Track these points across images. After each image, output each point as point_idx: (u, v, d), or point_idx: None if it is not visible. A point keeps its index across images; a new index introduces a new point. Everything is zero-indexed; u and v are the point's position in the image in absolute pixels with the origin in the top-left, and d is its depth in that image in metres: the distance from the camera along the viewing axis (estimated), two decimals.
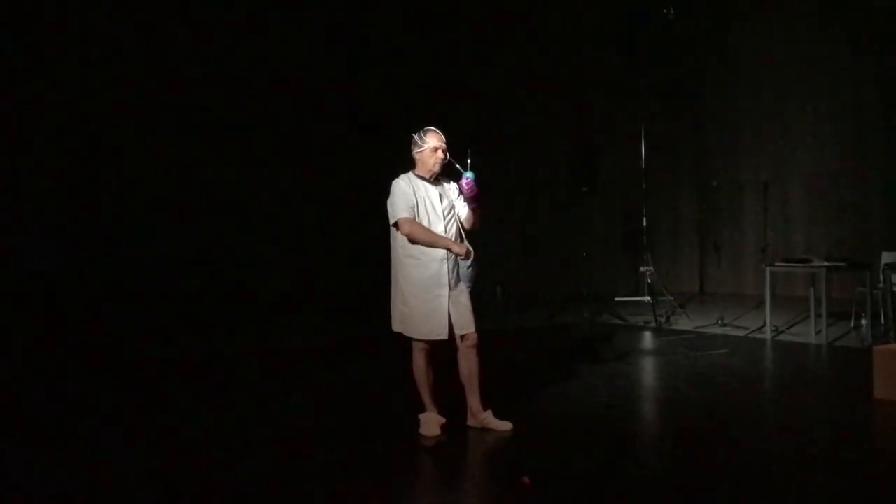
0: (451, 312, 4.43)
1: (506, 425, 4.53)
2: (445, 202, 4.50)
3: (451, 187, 4.57)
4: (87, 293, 9.33)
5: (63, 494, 3.72)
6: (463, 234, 4.59)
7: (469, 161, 4.36)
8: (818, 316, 7.72)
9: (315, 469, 4.05)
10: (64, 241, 9.38)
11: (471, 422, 4.59)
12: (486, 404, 4.57)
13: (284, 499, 3.64)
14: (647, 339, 8.30)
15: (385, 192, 4.49)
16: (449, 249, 4.40)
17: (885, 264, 8.06)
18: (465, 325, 4.47)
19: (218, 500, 3.64)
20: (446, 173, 4.54)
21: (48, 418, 5.14)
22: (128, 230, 9.97)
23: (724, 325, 8.64)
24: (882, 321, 8.03)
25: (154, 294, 9.86)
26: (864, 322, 7.96)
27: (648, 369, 6.82)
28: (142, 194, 10.10)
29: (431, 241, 4.38)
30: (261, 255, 10.81)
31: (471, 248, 4.40)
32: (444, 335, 4.43)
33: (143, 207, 10.10)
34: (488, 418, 4.55)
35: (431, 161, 4.48)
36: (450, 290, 4.44)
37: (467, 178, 4.32)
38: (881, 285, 8.05)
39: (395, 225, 4.43)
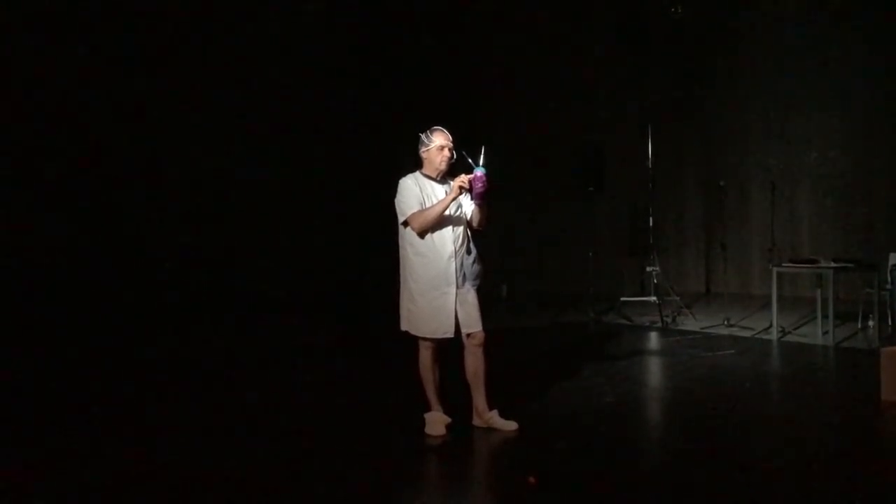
0: (458, 311, 4.43)
1: (511, 425, 4.53)
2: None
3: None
4: (88, 291, 9.34)
5: (64, 493, 3.73)
6: (470, 233, 4.59)
7: (482, 157, 4.34)
8: (825, 317, 7.69)
9: (319, 468, 4.05)
10: (64, 241, 9.39)
11: (476, 421, 4.59)
12: (491, 404, 4.56)
13: (288, 498, 3.64)
14: (653, 339, 8.28)
15: (392, 191, 4.50)
16: (452, 199, 4.34)
17: (893, 265, 8.03)
18: (472, 323, 4.47)
19: (220, 499, 3.65)
20: (454, 172, 4.53)
21: (41, 419, 5.14)
22: (128, 228, 9.98)
23: (731, 325, 8.61)
24: (889, 322, 8.01)
25: (155, 293, 9.87)
26: (871, 323, 7.93)
27: (654, 370, 6.80)
28: (143, 193, 10.11)
29: (437, 213, 4.35)
30: (264, 253, 10.80)
31: (464, 184, 4.30)
32: (451, 333, 4.43)
33: (143, 206, 10.11)
34: (494, 418, 4.55)
35: (438, 160, 4.49)
36: (457, 288, 4.43)
37: (479, 174, 4.30)
38: (889, 286, 8.02)
39: (405, 223, 4.43)
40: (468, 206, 4.54)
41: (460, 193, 4.35)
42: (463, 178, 4.30)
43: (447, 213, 4.42)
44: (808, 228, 11.42)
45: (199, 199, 10.40)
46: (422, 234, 4.41)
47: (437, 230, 4.42)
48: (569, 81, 12.43)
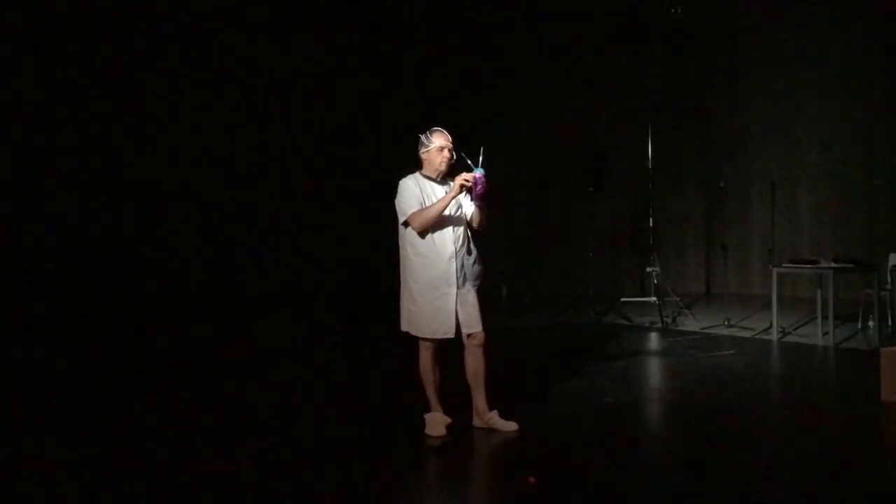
0: (459, 311, 4.42)
1: (511, 425, 4.52)
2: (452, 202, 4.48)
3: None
4: (88, 291, 9.34)
5: (64, 493, 3.73)
6: (469, 233, 4.59)
7: (482, 158, 4.34)
8: (825, 317, 7.69)
9: (319, 469, 4.05)
10: (64, 241, 9.37)
11: (476, 422, 4.58)
12: (491, 404, 4.56)
13: (288, 498, 3.64)
14: (654, 339, 8.28)
15: (392, 192, 4.50)
16: (452, 198, 4.34)
17: (893, 266, 8.03)
18: (473, 324, 4.47)
19: (221, 499, 3.65)
20: (453, 172, 4.53)
21: (42, 419, 5.14)
22: (130, 228, 9.98)
23: (731, 326, 8.62)
24: (889, 323, 8.01)
25: (155, 293, 9.87)
26: (871, 324, 7.93)
27: (654, 370, 6.80)
28: (143, 192, 10.10)
29: (437, 212, 4.34)
30: (264, 253, 10.79)
31: (466, 182, 4.30)
32: (451, 334, 4.42)
33: (144, 205, 10.10)
34: (494, 418, 4.55)
35: (438, 160, 4.49)
36: (457, 288, 4.43)
37: (478, 175, 4.30)
38: (889, 287, 8.02)
39: (405, 223, 4.43)
40: (468, 207, 4.55)
41: (461, 192, 4.36)
42: (465, 176, 4.30)
43: (447, 213, 4.42)
44: (808, 229, 11.42)
45: (199, 198, 10.39)
46: (422, 234, 4.41)
47: (437, 230, 4.42)
48: (569, 81, 12.43)
